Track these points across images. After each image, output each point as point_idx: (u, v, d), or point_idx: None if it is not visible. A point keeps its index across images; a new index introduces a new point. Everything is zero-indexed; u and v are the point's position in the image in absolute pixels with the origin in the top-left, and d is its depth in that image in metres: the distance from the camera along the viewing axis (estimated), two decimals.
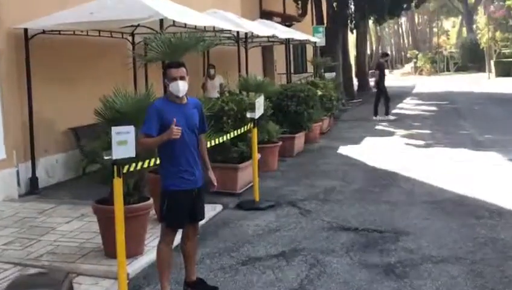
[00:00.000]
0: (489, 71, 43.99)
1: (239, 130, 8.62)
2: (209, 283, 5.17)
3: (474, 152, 12.00)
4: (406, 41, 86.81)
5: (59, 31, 9.37)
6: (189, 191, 4.79)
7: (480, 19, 47.09)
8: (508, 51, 44.99)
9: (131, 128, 4.83)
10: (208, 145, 7.29)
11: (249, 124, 8.46)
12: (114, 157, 4.77)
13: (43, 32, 9.18)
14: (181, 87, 4.72)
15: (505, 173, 9.89)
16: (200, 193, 4.91)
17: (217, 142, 7.86)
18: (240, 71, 13.01)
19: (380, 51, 59.65)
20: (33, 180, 9.27)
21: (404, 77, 58.84)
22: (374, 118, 18.89)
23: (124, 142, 4.75)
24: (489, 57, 44.99)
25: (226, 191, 8.56)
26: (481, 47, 47.84)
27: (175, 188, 4.75)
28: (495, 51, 45.24)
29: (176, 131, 4.56)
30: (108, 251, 5.73)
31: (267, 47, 20.80)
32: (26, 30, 9.04)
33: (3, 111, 8.57)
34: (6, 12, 8.74)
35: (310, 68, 23.59)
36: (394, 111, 22.25)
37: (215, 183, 5.09)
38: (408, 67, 68.81)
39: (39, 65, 9.35)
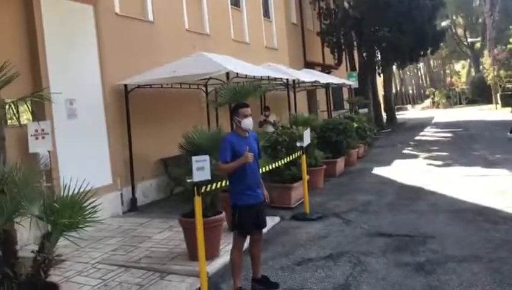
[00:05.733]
0: (496, 103, 42.32)
1: (291, 157, 8.55)
2: (271, 279, 5.11)
3: (487, 169, 11.45)
4: (424, 81, 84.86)
5: (150, 85, 9.66)
6: (254, 205, 4.75)
7: (486, 60, 45.38)
8: (511, 85, 43.27)
9: (207, 157, 4.84)
10: (266, 169, 7.38)
11: (299, 152, 8.39)
12: (194, 180, 4.77)
13: (138, 86, 9.48)
14: (251, 122, 4.77)
15: None
16: (262, 206, 4.86)
17: (273, 166, 7.81)
18: (290, 110, 13.01)
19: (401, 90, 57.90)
20: (133, 200, 9.47)
21: (424, 110, 57.33)
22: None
23: (201, 168, 4.75)
24: (495, 91, 43.28)
25: (282, 205, 8.53)
26: (488, 83, 46.15)
27: (244, 203, 4.72)
28: (500, 86, 43.52)
29: (250, 156, 4.59)
30: (192, 254, 5.74)
31: (311, 90, 20.77)
32: (125, 86, 9.37)
33: (110, 148, 8.81)
34: (111, 72, 9.02)
35: (346, 106, 23.35)
36: (417, 138, 21.72)
37: (268, 200, 5.04)
38: (427, 102, 67.04)
39: (136, 112, 9.63)
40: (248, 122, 4.74)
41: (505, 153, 13.84)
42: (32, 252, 3.44)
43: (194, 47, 11.74)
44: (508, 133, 17.37)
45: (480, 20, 57.20)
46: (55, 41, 7.71)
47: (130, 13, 10.04)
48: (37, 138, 6.93)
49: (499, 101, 42.04)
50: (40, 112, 6.95)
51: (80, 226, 3.46)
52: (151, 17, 10.71)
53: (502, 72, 42.42)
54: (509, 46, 39.89)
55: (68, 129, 7.87)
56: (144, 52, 10.28)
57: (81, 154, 8.01)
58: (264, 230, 5.33)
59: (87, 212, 3.57)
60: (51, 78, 7.51)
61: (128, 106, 9.37)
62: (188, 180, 4.91)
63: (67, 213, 3.36)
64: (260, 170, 5.19)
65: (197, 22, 12.63)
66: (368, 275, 5.23)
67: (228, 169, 4.70)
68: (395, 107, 37.70)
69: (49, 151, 7.11)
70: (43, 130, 6.96)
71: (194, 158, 4.79)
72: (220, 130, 6.58)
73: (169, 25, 11.29)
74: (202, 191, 5.06)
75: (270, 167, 7.60)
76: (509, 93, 41.91)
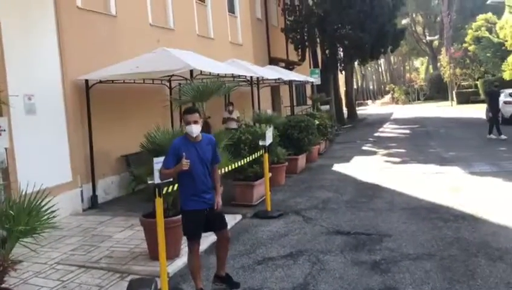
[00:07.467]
0: (452, 100, 43.75)
1: (254, 155, 8.60)
2: (233, 279, 5.09)
3: (441, 167, 11.76)
4: (384, 77, 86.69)
5: (112, 80, 9.46)
6: (200, 211, 4.64)
7: (443, 58, 46.83)
8: (466, 83, 44.83)
9: None
10: (230, 168, 7.39)
11: (261, 150, 8.42)
12: (155, 182, 4.73)
13: (100, 82, 9.29)
14: (194, 129, 4.56)
15: (465, 183, 9.73)
16: (212, 211, 4.70)
17: (237, 165, 7.82)
18: (253, 107, 13.04)
19: (364, 86, 58.95)
20: (94, 197, 9.30)
21: (383, 105, 58.68)
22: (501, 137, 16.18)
23: None
24: (451, 88, 44.81)
25: (244, 203, 8.54)
26: (444, 80, 47.68)
27: (188, 208, 4.67)
28: (456, 83, 45.06)
29: (185, 164, 4.43)
30: (153, 254, 5.70)
31: (275, 87, 20.85)
32: (87, 81, 9.16)
33: (70, 145, 8.62)
34: (71, 67, 8.82)
35: (309, 101, 23.58)
36: (376, 134, 22.17)
37: (218, 207, 4.77)
38: (387, 98, 68.68)
39: (97, 107, 9.42)
40: (190, 130, 4.57)
41: (458, 151, 14.34)
42: None
43: (158, 42, 11.57)
44: (489, 136, 16.53)
45: (438, 18, 58.78)
46: (13, 34, 7.44)
47: (92, 7, 9.81)
48: None
49: (455, 98, 43.48)
50: None
51: (37, 231, 3.39)
52: (114, 11, 10.50)
53: (457, 70, 43.85)
54: (464, 44, 41.22)
55: (26, 125, 7.64)
56: (106, 46, 10.07)
57: (40, 151, 7.80)
58: None
59: (44, 217, 3.51)
60: (8, 72, 7.26)
61: (89, 101, 9.18)
62: (149, 182, 4.84)
63: (23, 220, 3.29)
64: (220, 171, 5.10)
65: (161, 17, 12.44)
66: (326, 274, 5.31)
67: (168, 175, 4.64)
68: (356, 102, 38.33)
69: (5, 149, 6.87)
70: None
71: (155, 160, 4.71)
72: (182, 131, 6.43)
73: (132, 19, 11.09)
74: (163, 192, 5.02)
75: (234, 166, 7.59)
76: (464, 90, 43.45)
